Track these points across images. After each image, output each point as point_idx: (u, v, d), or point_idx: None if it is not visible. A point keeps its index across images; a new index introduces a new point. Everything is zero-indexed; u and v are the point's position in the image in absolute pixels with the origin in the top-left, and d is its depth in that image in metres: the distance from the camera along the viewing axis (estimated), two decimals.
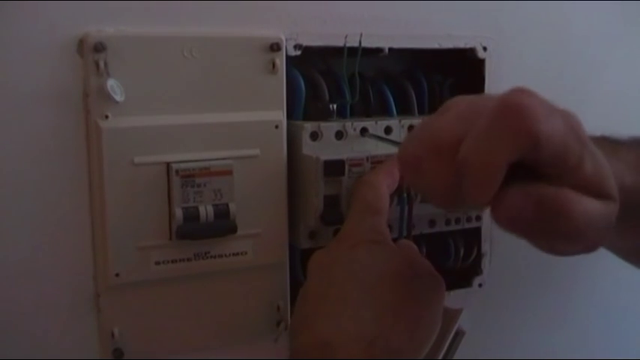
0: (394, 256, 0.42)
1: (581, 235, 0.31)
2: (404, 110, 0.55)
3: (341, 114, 0.52)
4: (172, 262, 0.47)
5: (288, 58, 0.49)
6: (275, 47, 0.48)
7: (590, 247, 0.32)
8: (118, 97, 0.44)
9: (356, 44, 0.51)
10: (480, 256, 0.60)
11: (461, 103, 0.35)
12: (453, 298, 0.53)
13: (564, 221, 0.31)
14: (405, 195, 0.50)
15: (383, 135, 0.51)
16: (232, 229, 0.47)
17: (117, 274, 0.46)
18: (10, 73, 0.43)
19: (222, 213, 0.47)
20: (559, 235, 0.31)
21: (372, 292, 0.39)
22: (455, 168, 0.32)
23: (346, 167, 0.48)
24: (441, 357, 0.43)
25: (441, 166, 0.33)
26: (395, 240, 0.44)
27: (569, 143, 0.31)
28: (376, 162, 0.49)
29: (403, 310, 0.39)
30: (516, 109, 0.30)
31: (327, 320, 0.39)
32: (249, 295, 0.51)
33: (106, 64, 0.43)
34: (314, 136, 0.49)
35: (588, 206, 0.31)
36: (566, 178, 0.31)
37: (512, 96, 0.30)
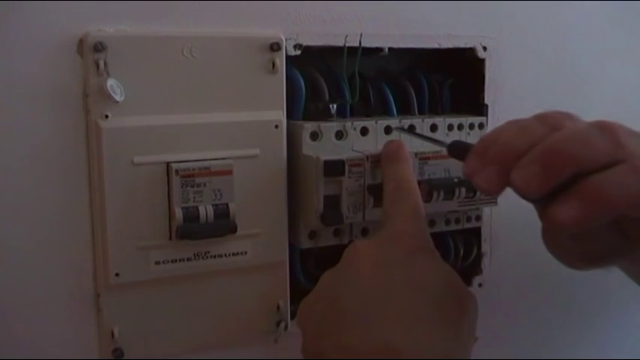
0: (449, 271, 0.41)
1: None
2: (404, 110, 0.55)
3: (341, 114, 0.52)
4: (172, 262, 0.47)
5: (288, 57, 0.49)
6: (275, 47, 0.48)
7: None
8: (118, 97, 0.44)
9: (356, 44, 0.51)
10: (479, 256, 0.60)
11: None
12: None
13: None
14: None
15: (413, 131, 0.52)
16: (232, 229, 0.47)
17: (117, 274, 0.46)
18: (10, 73, 0.43)
19: (222, 213, 0.47)
20: None
21: (439, 307, 0.38)
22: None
23: (346, 167, 0.48)
24: None
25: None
26: None
27: None
28: (376, 161, 0.49)
29: (462, 331, 0.39)
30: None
31: (394, 326, 0.37)
32: (249, 295, 0.51)
33: (105, 63, 0.43)
34: (314, 136, 0.49)
35: None
36: None
37: None
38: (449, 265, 0.41)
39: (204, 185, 0.46)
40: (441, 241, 0.57)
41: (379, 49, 0.53)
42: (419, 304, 0.38)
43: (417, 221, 0.43)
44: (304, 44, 0.50)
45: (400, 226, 0.43)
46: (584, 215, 0.33)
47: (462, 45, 0.56)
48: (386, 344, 0.37)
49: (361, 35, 0.51)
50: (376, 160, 0.49)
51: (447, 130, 0.53)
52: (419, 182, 0.48)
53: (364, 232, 0.52)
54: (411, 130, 0.52)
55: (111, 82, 0.43)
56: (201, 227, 0.46)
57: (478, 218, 0.56)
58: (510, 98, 0.58)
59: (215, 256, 0.48)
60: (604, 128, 0.34)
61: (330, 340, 0.38)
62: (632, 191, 0.33)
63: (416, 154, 0.50)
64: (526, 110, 0.39)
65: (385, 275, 0.39)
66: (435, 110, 0.56)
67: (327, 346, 0.38)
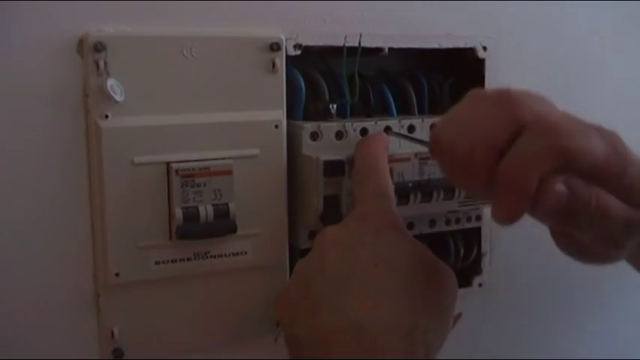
0: (419, 246, 0.41)
1: (607, 235, 0.34)
2: (404, 110, 0.55)
3: (341, 114, 0.52)
4: (172, 262, 0.47)
5: (288, 57, 0.49)
6: (275, 47, 0.48)
7: (612, 249, 0.35)
8: (118, 97, 0.44)
9: (356, 44, 0.51)
10: (479, 256, 0.60)
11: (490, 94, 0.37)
12: None
13: (599, 218, 0.34)
14: None
15: (406, 133, 0.51)
16: (232, 229, 0.47)
17: (117, 274, 0.46)
18: (10, 73, 0.43)
19: (222, 213, 0.47)
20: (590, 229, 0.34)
21: (406, 281, 0.39)
22: (489, 160, 0.34)
23: (346, 167, 0.48)
24: None
25: (477, 157, 0.34)
26: None
27: (609, 157, 0.33)
28: None
29: (435, 304, 0.39)
30: (550, 127, 0.32)
31: (359, 303, 0.38)
32: (249, 295, 0.51)
33: (106, 63, 0.43)
34: (314, 136, 0.49)
35: (620, 209, 0.34)
36: (609, 188, 0.33)
37: (546, 114, 0.33)
38: (418, 241, 0.42)
39: (204, 185, 0.46)
40: (441, 241, 0.57)
41: (379, 49, 0.53)
42: (384, 279, 0.39)
43: (381, 201, 0.44)
44: (304, 44, 0.50)
45: (364, 208, 0.43)
46: (513, 206, 0.32)
47: (462, 45, 0.56)
48: (352, 321, 0.37)
49: (361, 35, 0.51)
50: None
51: None
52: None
53: None
54: (410, 131, 0.52)
55: (111, 82, 0.44)
56: (201, 227, 0.46)
57: (478, 218, 0.56)
58: None
59: (215, 256, 0.48)
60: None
61: (304, 325, 0.39)
62: (542, 151, 0.32)
63: (416, 155, 0.50)
64: None
65: (351, 255, 0.40)
66: (435, 110, 0.56)
67: (301, 331, 0.39)
